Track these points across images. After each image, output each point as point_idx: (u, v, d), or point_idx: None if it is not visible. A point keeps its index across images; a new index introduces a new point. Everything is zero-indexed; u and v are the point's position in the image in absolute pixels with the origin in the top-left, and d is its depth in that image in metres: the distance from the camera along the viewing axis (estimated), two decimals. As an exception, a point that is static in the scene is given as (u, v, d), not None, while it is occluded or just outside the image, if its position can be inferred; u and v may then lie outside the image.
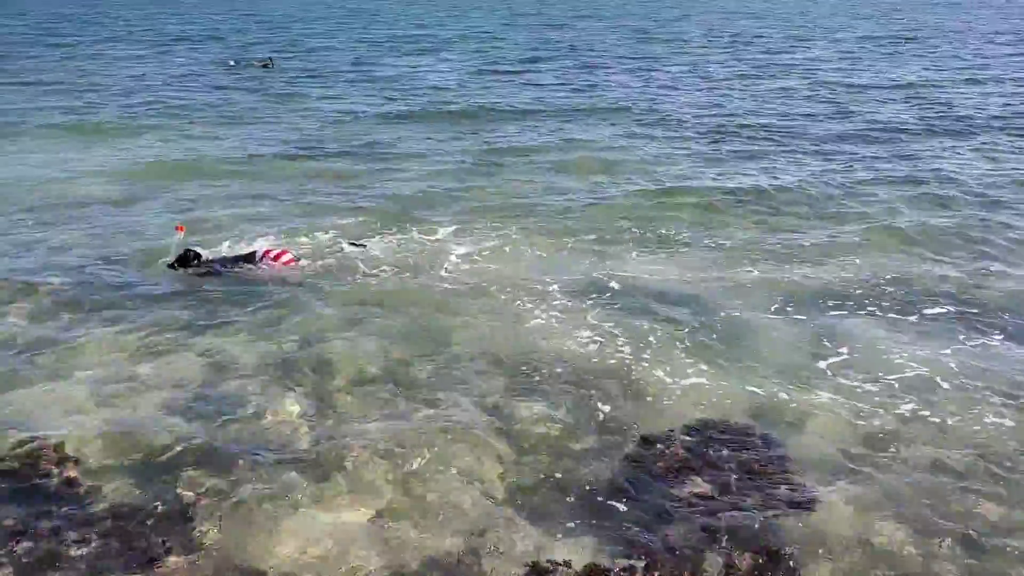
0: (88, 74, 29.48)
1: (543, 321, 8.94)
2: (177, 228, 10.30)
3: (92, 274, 10.01)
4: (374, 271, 10.31)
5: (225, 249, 10.68)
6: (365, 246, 11.08)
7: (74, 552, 5.24)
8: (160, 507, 5.67)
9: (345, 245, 11.03)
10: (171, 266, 9.88)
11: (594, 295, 9.67)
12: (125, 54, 36.65)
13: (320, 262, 10.55)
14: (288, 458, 6.31)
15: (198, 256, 9.95)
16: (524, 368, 7.87)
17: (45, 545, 5.27)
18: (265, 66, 31.11)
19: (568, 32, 49.88)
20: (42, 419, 6.74)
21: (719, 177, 15.61)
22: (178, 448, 6.39)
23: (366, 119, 21.41)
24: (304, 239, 11.30)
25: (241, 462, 6.22)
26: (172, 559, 5.22)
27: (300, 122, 20.88)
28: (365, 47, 41.06)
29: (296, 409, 7.04)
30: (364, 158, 17.00)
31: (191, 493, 5.81)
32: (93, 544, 5.29)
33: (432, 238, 11.62)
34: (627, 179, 15.42)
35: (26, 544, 5.27)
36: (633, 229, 12.24)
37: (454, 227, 12.02)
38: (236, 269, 10.02)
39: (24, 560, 5.16)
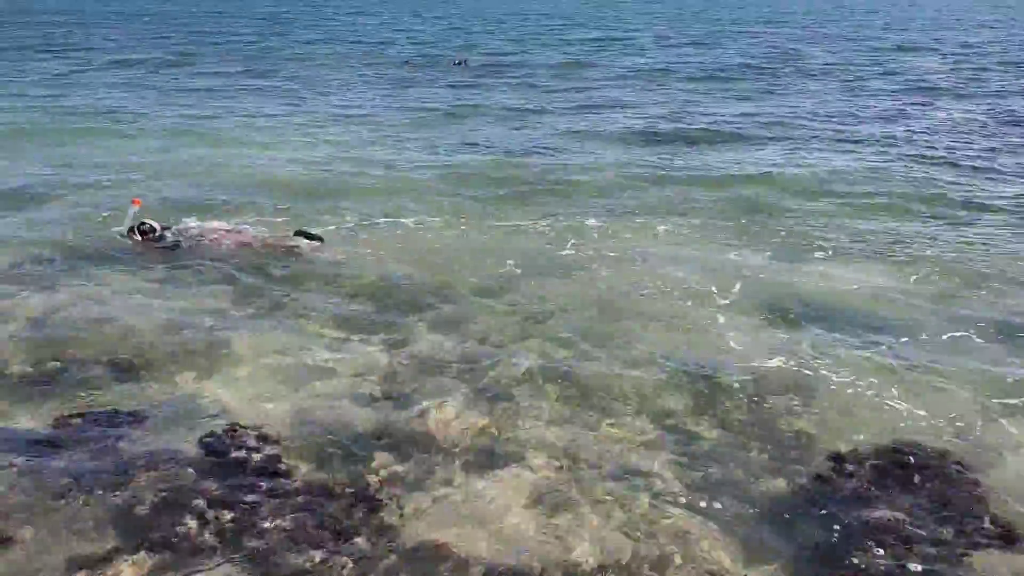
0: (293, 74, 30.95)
1: (721, 328, 8.74)
2: (133, 201, 11.06)
3: (280, 265, 10.62)
4: (547, 272, 10.39)
5: (182, 225, 11.28)
6: (322, 240, 11.12)
7: (269, 525, 5.54)
8: (348, 490, 5.91)
9: (302, 242, 11.03)
10: (123, 235, 10.72)
11: (775, 303, 9.39)
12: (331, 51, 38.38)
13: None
14: (465, 452, 6.45)
15: (153, 229, 10.72)
16: (702, 374, 7.72)
17: (244, 517, 5.60)
18: (459, 64, 32.06)
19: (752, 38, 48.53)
20: (241, 401, 7.19)
21: (917, 184, 14.80)
22: (364, 435, 6.65)
23: (554, 125, 21.27)
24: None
25: (422, 452, 6.41)
26: (359, 539, 5.43)
27: (485, 125, 21.25)
28: (568, 48, 40.85)
29: (473, 405, 7.18)
30: (549, 161, 17.07)
31: (377, 478, 6.03)
32: (287, 519, 5.58)
33: (607, 240, 11.62)
34: (806, 183, 14.89)
35: (228, 514, 5.63)
36: (819, 234, 11.79)
37: (627, 229, 11.98)
38: (191, 243, 10.72)
39: (226, 529, 5.50)
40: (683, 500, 5.97)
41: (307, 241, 11.01)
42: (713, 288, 9.83)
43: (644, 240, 11.68)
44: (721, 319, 9.02)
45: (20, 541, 5.29)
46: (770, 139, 19.52)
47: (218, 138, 18.52)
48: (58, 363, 7.81)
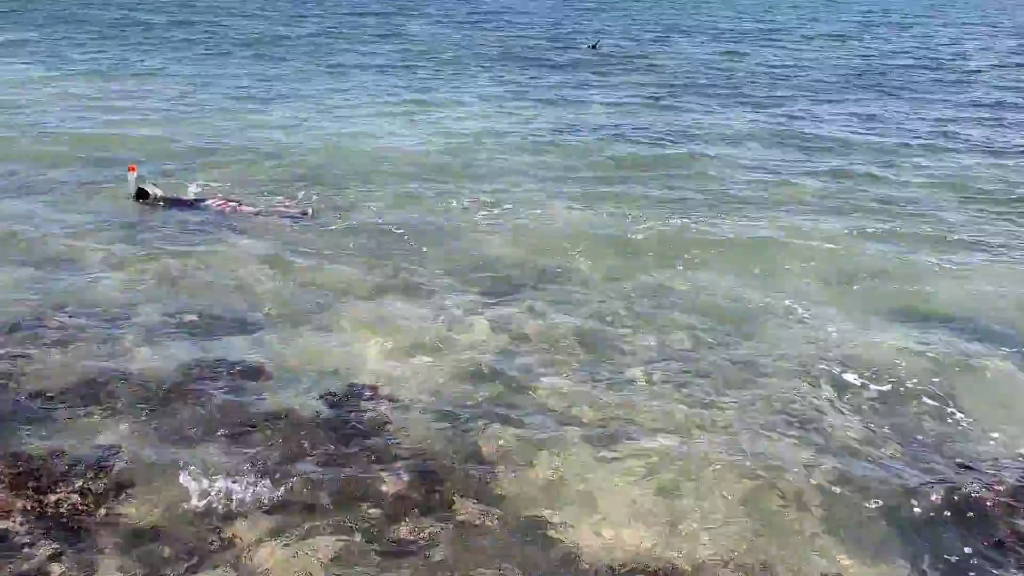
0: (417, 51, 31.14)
1: (851, 329, 8.30)
2: (130, 169, 11.79)
3: (403, 238, 10.76)
4: (681, 257, 10.16)
5: (182, 191, 11.93)
6: (307, 213, 11.38)
7: (381, 486, 5.62)
8: (460, 459, 5.94)
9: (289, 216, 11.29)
10: (131, 198, 11.59)
11: (909, 303, 8.94)
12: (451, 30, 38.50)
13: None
14: (578, 430, 6.37)
15: (147, 193, 11.55)
16: (829, 373, 7.36)
17: (358, 478, 5.71)
18: (593, 47, 31.69)
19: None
20: (359, 364, 7.33)
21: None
22: (477, 406, 6.67)
23: (687, 113, 20.40)
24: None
25: (535, 427, 6.37)
26: (469, 504, 5.45)
27: (610, 107, 20.86)
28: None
29: (588, 383, 7.09)
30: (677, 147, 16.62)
31: (488, 448, 6.04)
32: (399, 480, 5.65)
33: (739, 229, 11.27)
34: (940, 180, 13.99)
35: (343, 474, 5.75)
36: (957, 231, 11.11)
37: (754, 221, 11.57)
38: (188, 207, 11.42)
39: (340, 489, 5.62)
40: (805, 496, 5.71)
41: (301, 214, 11.46)
42: (847, 282, 9.43)
43: (780, 231, 11.19)
44: (856, 314, 8.59)
45: (154, 490, 5.54)
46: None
47: (346, 117, 18.82)
48: (190, 316, 8.17)
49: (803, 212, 12.19)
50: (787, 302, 8.89)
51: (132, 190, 11.67)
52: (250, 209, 11.57)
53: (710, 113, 20.06)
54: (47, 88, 21.05)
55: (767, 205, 12.54)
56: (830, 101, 21.90)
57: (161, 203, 11.62)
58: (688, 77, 25.63)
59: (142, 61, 26.24)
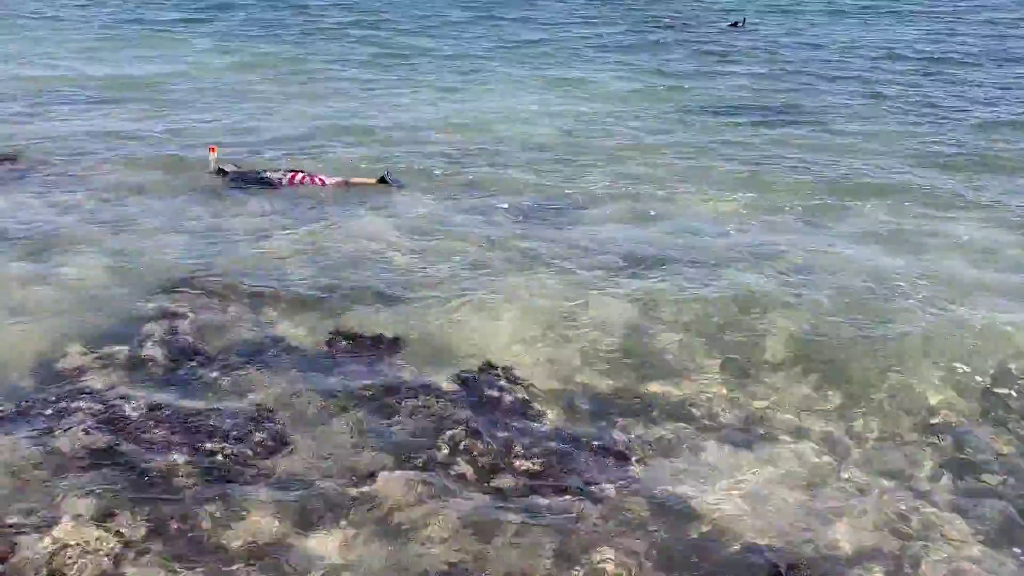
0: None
1: (1007, 327, 7.88)
2: (210, 149, 12.57)
3: (537, 217, 10.87)
4: (812, 248, 9.89)
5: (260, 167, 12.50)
6: (402, 185, 11.92)
7: (520, 463, 5.69)
8: (596, 443, 5.96)
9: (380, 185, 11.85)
10: (213, 174, 12.28)
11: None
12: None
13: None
14: (715, 422, 6.32)
15: (224, 171, 12.23)
16: (981, 377, 7.06)
17: (496, 453, 5.78)
18: (737, 24, 30.52)
19: None
20: (495, 341, 7.44)
21: None
22: (613, 391, 6.71)
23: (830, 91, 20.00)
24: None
25: (671, 416, 6.35)
26: (607, 491, 5.45)
27: (747, 86, 20.46)
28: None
29: (725, 374, 7.01)
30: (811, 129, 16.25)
31: (624, 436, 6.02)
32: (536, 461, 5.70)
33: (888, 222, 10.86)
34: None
35: (480, 447, 5.83)
36: None
37: (915, 216, 11.13)
38: (260, 182, 11.97)
39: (478, 461, 5.70)
40: (948, 504, 5.52)
41: (387, 185, 11.95)
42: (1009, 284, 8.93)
43: (930, 230, 10.69)
44: (1011, 316, 8.12)
45: (299, 448, 5.79)
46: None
47: (482, 98, 19.12)
48: (332, 289, 8.47)
49: (960, 206, 11.67)
50: (939, 289, 8.62)
51: (213, 168, 12.57)
52: (332, 180, 12.13)
53: (850, 94, 19.40)
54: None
55: (911, 186, 12.19)
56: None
57: (240, 177, 12.41)
58: (829, 59, 24.63)
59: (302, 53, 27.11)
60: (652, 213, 10.96)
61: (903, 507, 5.46)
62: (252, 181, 12.20)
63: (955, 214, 11.16)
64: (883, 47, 26.84)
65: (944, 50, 26.12)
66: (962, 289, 8.69)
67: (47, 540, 4.64)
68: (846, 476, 5.75)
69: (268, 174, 12.20)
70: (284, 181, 12.05)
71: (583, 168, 13.03)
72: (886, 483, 5.70)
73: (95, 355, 6.86)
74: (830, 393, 6.78)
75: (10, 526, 4.69)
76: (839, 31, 30.44)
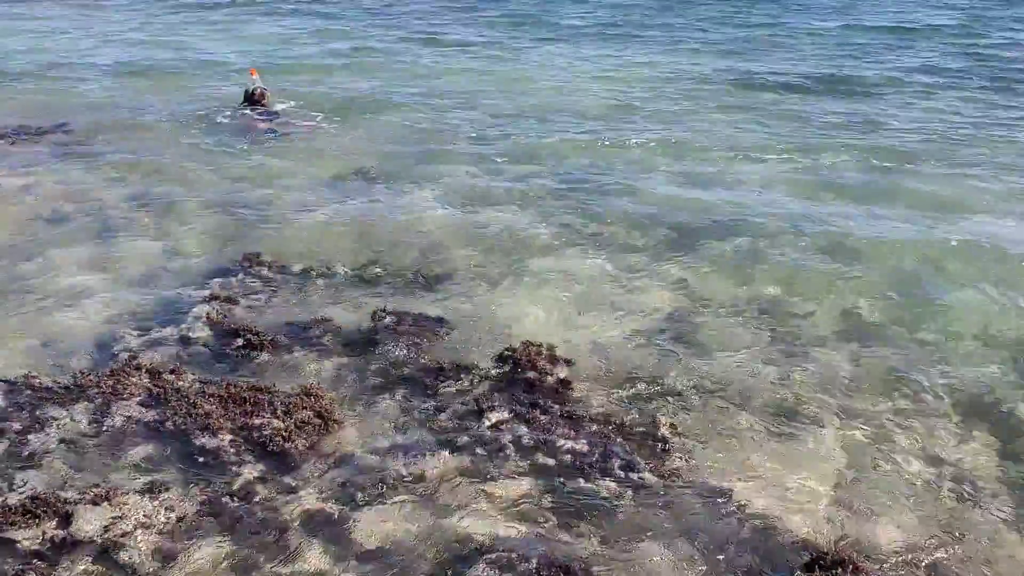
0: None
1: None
2: (251, 72, 13.04)
3: (582, 191, 10.84)
4: (857, 224, 9.73)
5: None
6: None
7: (562, 445, 5.70)
8: (638, 427, 5.95)
9: None
10: (241, 103, 12.99)
11: None
12: None
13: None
14: (757, 408, 6.25)
15: (262, 95, 12.91)
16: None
17: (539, 434, 5.78)
18: None
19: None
20: (537, 322, 7.48)
21: None
22: (655, 374, 6.66)
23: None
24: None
25: (712, 400, 6.30)
26: (646, 475, 5.44)
27: (799, 61, 20.23)
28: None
29: (767, 359, 6.93)
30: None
31: (666, 420, 5.98)
32: (579, 443, 5.70)
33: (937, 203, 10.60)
34: None
35: (523, 428, 5.85)
36: None
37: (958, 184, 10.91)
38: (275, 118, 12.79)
39: (521, 442, 5.73)
40: (996, 499, 5.40)
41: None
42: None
43: (987, 205, 10.49)
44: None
45: (349, 426, 5.87)
46: None
47: (530, 70, 19.16)
48: (375, 267, 8.55)
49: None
50: (993, 266, 8.47)
51: (250, 87, 12.93)
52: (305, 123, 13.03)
53: (907, 70, 18.95)
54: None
55: (967, 159, 11.95)
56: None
57: (260, 110, 12.96)
58: (883, 32, 24.06)
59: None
60: (699, 186, 10.91)
61: (952, 498, 5.37)
62: (272, 117, 12.97)
63: (1012, 185, 10.86)
64: (938, 23, 26.11)
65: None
66: (1018, 267, 8.44)
67: (102, 513, 4.77)
68: (892, 464, 5.66)
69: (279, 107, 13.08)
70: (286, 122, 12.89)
71: (628, 140, 13.13)
72: (935, 471, 5.60)
73: (147, 337, 7.03)
74: (878, 374, 6.68)
75: (66, 500, 4.83)
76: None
